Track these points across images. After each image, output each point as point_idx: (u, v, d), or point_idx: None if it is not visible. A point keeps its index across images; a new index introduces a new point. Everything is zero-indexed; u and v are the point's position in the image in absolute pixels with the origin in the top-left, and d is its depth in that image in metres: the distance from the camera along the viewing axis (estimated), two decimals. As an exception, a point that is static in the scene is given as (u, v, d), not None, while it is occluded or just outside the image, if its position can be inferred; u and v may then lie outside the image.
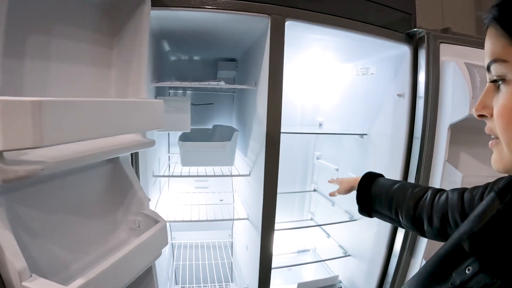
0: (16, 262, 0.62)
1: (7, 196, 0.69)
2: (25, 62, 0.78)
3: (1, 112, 0.54)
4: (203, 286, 2.16)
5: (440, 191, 0.91)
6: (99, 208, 1.03)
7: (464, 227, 0.60)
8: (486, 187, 0.74)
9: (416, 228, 0.93)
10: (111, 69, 1.10)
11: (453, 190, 0.85)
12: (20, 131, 0.54)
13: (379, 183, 1.08)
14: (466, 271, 0.51)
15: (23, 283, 0.63)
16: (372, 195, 1.07)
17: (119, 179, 1.07)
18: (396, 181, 1.05)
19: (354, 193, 1.19)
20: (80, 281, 0.67)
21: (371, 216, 1.11)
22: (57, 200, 0.87)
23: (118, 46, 1.10)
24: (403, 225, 0.98)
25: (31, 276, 0.65)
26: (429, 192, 0.92)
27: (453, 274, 0.53)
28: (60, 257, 0.86)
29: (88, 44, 1.02)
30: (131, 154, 1.18)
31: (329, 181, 1.42)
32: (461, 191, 0.82)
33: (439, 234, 0.85)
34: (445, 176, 1.47)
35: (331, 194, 1.37)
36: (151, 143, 1.04)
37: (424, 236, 0.92)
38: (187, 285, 2.17)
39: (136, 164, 1.21)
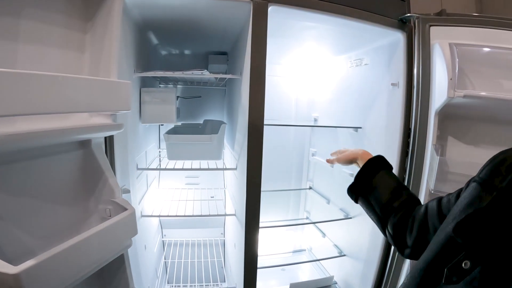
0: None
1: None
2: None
3: None
4: (197, 285, 2.11)
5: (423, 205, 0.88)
6: (69, 195, 1.00)
7: (450, 220, 0.60)
8: (461, 190, 0.71)
9: (395, 239, 0.89)
10: (84, 53, 1.07)
11: (432, 199, 0.82)
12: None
13: (386, 175, 1.01)
14: (463, 266, 0.52)
15: (-28, 262, 0.59)
16: (373, 182, 1.00)
17: (90, 166, 1.03)
18: (403, 186, 0.98)
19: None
20: (31, 261, 0.65)
21: (356, 200, 1.05)
22: (23, 183, 0.84)
23: (91, 31, 1.07)
24: (386, 231, 0.93)
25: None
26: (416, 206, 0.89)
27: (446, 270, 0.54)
28: (26, 243, 0.83)
29: (60, 27, 0.99)
30: (105, 141, 1.14)
31: (332, 154, 1.32)
32: (439, 198, 0.80)
33: (416, 246, 0.82)
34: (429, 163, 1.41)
35: (329, 161, 1.29)
36: (119, 126, 1.01)
37: (399, 249, 0.88)
38: (181, 284, 2.13)
39: (111, 153, 1.17)
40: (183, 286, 2.13)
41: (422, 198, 1.44)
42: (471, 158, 1.39)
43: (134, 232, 0.98)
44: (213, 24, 1.54)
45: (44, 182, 0.91)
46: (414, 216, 0.84)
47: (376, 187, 0.98)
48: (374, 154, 1.70)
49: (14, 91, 0.61)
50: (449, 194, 0.76)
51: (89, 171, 1.03)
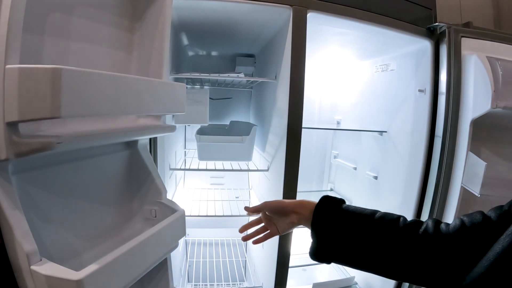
0: (25, 243, 0.59)
1: (20, 176, 0.66)
2: (45, 39, 0.75)
3: (19, 80, 0.52)
4: (216, 284, 2.12)
5: (437, 221, 0.71)
6: (114, 195, 1.00)
7: None
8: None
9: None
10: (132, 53, 1.07)
11: (463, 215, 0.69)
12: (38, 99, 0.51)
13: (350, 209, 0.79)
14: None
15: (32, 267, 0.59)
16: (340, 226, 0.76)
17: (136, 166, 1.03)
18: (367, 209, 0.79)
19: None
20: (92, 267, 0.63)
21: (328, 261, 0.79)
22: (71, 184, 0.84)
23: (139, 31, 1.07)
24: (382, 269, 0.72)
25: (40, 260, 0.61)
26: (424, 224, 0.70)
27: None
28: (71, 244, 0.83)
29: (109, 26, 0.99)
30: (149, 142, 1.15)
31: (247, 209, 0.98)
32: (480, 211, 0.68)
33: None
34: (468, 168, 1.42)
35: (247, 209, 0.98)
36: (172, 128, 1.01)
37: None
38: (200, 283, 2.14)
39: (154, 153, 1.19)
40: (203, 285, 2.14)
41: (455, 201, 1.46)
42: (507, 163, 1.46)
43: (183, 233, 0.99)
44: (248, 27, 1.56)
45: (91, 182, 0.91)
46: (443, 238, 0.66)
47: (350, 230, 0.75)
48: (399, 159, 1.70)
49: (90, 90, 0.61)
50: (496, 208, 0.67)
51: (135, 172, 1.04)
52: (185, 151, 2.25)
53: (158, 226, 0.87)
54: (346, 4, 1.34)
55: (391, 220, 0.73)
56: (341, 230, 0.75)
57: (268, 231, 0.93)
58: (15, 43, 0.56)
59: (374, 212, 0.77)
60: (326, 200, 0.82)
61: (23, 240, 0.58)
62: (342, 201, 0.82)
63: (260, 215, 0.95)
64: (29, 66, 0.52)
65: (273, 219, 0.91)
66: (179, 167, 1.80)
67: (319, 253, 0.78)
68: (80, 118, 0.78)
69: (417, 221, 0.72)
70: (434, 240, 0.66)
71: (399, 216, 0.74)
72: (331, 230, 0.76)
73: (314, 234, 0.79)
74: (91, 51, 0.94)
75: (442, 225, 0.69)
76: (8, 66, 0.53)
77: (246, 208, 0.97)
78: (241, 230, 0.98)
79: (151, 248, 0.84)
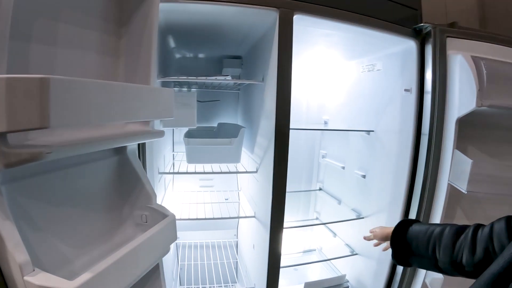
0: (17, 254, 0.58)
1: (9, 186, 0.66)
2: (32, 45, 0.75)
3: (6, 90, 0.51)
4: (209, 287, 2.12)
5: (481, 225, 0.89)
6: (105, 202, 1.00)
7: None
8: None
9: (453, 265, 0.91)
10: (119, 59, 1.06)
11: (498, 219, 0.85)
12: (26, 110, 0.51)
13: (415, 227, 1.06)
14: None
15: (25, 278, 0.58)
16: (408, 238, 1.04)
17: (126, 172, 1.03)
18: (433, 224, 1.04)
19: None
20: (85, 276, 0.63)
21: (408, 264, 1.08)
22: (61, 192, 0.83)
23: (126, 36, 1.06)
24: (439, 264, 0.95)
25: (33, 270, 0.61)
26: (471, 228, 0.90)
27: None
28: (63, 252, 0.82)
29: (96, 31, 0.98)
30: (138, 147, 1.14)
31: (370, 231, 1.34)
32: (507, 217, 0.82)
33: (478, 266, 0.83)
34: (454, 166, 1.45)
35: (366, 238, 1.34)
36: (161, 133, 1.01)
37: (460, 273, 0.90)
38: (193, 286, 2.13)
39: (143, 157, 1.18)
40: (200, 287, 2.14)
41: (442, 198, 1.49)
42: (493, 160, 1.51)
43: (174, 238, 0.99)
44: (235, 29, 1.56)
45: (81, 189, 0.91)
46: (475, 237, 0.86)
47: (412, 240, 1.03)
48: (386, 158, 1.74)
49: (79, 99, 0.60)
50: None
51: (124, 177, 1.04)
52: (173, 154, 2.25)
53: (150, 232, 0.87)
54: (332, 5, 1.35)
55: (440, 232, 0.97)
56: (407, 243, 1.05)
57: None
58: (1, 53, 0.55)
59: (431, 224, 1.03)
60: (399, 225, 1.10)
61: (15, 251, 0.58)
62: (409, 223, 1.08)
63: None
64: (16, 76, 0.52)
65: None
66: (168, 171, 1.80)
67: (397, 259, 1.08)
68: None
69: (461, 227, 0.93)
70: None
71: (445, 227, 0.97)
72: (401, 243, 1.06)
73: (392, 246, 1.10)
74: (78, 57, 0.93)
75: (479, 230, 0.87)
76: (-5, 76, 0.53)
77: (366, 238, 1.35)
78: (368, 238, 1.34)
79: (143, 255, 0.84)
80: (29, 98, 0.51)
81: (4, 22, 0.56)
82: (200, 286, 2.14)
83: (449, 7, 2.27)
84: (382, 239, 1.24)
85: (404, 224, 1.09)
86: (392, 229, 1.13)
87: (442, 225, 0.98)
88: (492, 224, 0.84)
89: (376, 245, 1.32)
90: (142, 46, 1.03)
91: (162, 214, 0.99)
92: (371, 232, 1.32)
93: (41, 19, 0.79)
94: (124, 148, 1.03)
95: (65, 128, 0.78)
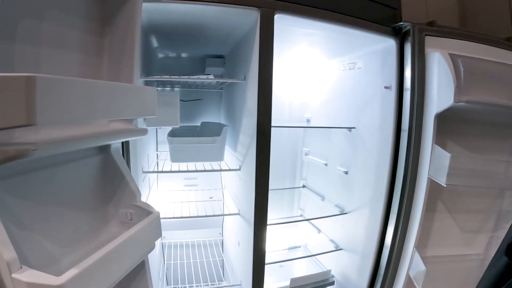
0: (4, 251, 0.59)
1: (-5, 185, 0.66)
2: (16, 46, 0.75)
3: (-8, 88, 0.52)
4: (196, 285, 2.13)
5: None
6: (90, 200, 1.00)
7: None
8: None
9: None
10: (102, 58, 1.07)
11: None
12: (13, 107, 0.52)
13: None
14: None
15: (13, 275, 0.59)
16: None
17: (110, 171, 1.04)
18: None
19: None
20: (72, 271, 0.64)
21: None
22: (46, 190, 0.84)
23: (109, 36, 1.06)
24: None
25: (21, 267, 0.61)
26: None
27: None
28: (49, 251, 0.83)
29: (79, 31, 0.98)
30: (122, 146, 1.15)
31: None
32: None
33: None
34: (434, 160, 1.49)
35: None
36: (144, 131, 1.03)
37: None
38: (179, 285, 2.14)
39: (127, 156, 1.19)
40: (182, 287, 2.15)
41: (423, 192, 1.53)
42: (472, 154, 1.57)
43: (159, 234, 1.00)
44: (218, 29, 1.57)
45: (66, 188, 0.91)
46: None
47: None
48: (368, 154, 1.78)
49: (65, 97, 0.61)
50: None
51: (109, 176, 1.04)
52: (157, 154, 2.25)
53: (134, 228, 0.88)
54: (313, 5, 1.37)
55: None
56: None
57: None
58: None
59: None
60: None
61: (3, 249, 0.58)
62: None
63: None
64: (2, 75, 0.53)
65: None
66: (152, 170, 1.80)
67: None
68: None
69: None
70: None
71: None
72: None
73: None
74: (62, 56, 0.94)
75: None
76: (-20, 76, 0.53)
77: None
78: None
79: (128, 250, 0.85)
80: (15, 96, 0.52)
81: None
82: (187, 285, 2.15)
83: (430, 7, 2.31)
84: None
85: None
86: None
87: None
88: None
89: None
90: (125, 46, 1.03)
91: (146, 212, 1.00)
92: None
93: (25, 19, 0.79)
94: (108, 146, 1.04)
95: (50, 127, 0.79)
